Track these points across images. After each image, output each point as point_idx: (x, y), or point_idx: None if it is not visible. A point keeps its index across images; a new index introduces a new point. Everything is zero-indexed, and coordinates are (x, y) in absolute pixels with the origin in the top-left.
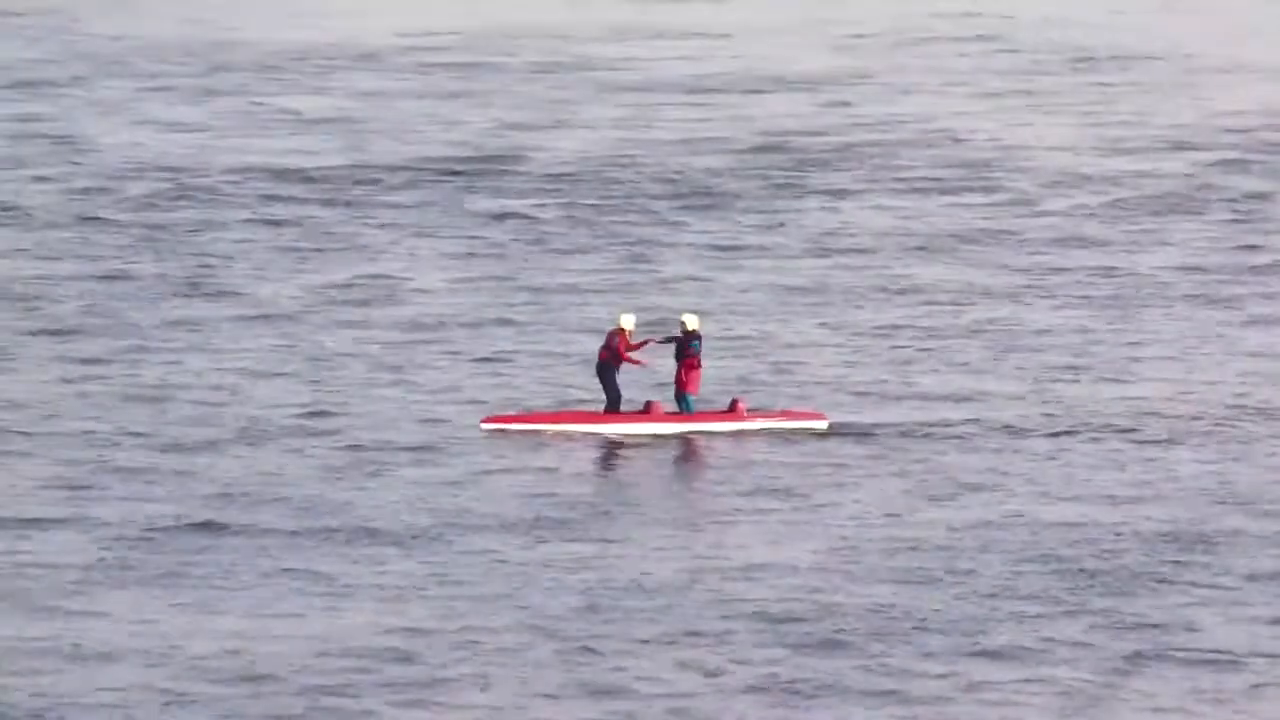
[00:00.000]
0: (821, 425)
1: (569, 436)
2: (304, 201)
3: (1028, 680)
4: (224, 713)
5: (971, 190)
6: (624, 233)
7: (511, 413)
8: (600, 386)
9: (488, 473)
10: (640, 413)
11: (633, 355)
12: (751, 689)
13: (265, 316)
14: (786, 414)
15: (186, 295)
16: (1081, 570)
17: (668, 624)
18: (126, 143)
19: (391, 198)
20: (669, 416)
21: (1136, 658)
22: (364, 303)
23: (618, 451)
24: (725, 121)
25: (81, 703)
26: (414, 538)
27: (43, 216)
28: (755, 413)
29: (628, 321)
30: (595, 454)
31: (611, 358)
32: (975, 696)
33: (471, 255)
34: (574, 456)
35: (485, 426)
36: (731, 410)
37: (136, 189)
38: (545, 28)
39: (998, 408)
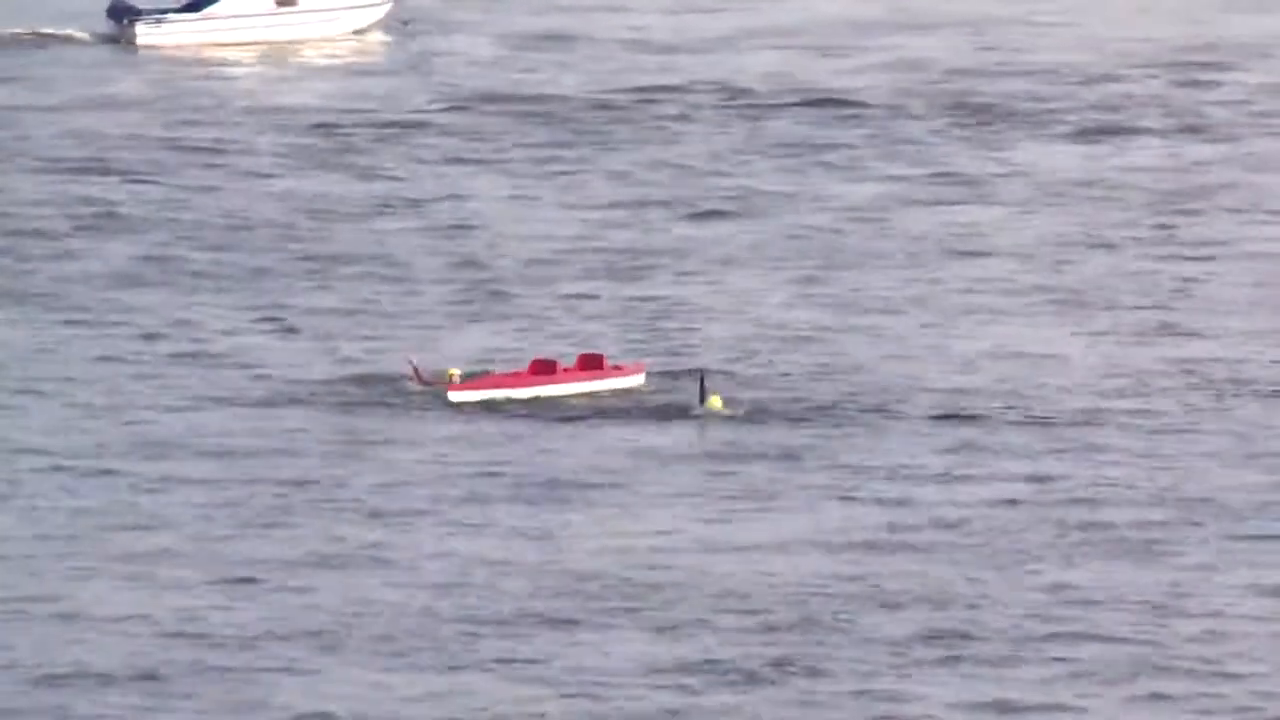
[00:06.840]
0: (639, 379)
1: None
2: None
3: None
4: None
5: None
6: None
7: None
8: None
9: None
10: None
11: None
12: (727, 672)
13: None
14: (619, 369)
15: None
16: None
17: (642, 606)
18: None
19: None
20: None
21: None
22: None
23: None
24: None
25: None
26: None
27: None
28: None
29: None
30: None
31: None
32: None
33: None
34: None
35: (454, 396)
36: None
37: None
38: None
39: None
